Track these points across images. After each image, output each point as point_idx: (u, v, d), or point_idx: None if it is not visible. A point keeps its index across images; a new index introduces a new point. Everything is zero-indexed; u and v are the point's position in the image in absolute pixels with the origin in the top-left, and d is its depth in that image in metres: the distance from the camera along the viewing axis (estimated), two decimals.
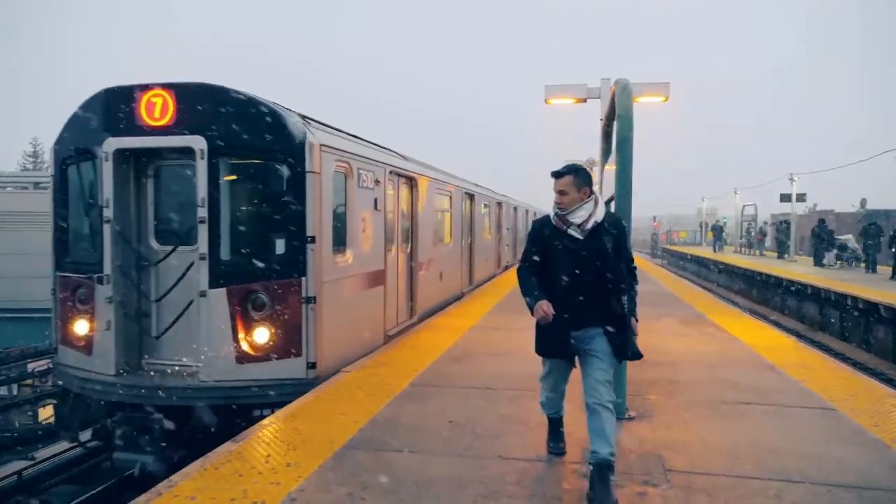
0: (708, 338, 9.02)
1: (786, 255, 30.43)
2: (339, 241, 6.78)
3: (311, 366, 6.09)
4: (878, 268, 22.24)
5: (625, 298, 3.90)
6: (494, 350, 7.91)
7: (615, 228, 3.99)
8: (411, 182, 9.69)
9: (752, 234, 37.06)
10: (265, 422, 5.06)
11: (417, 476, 4.06)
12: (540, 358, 4.20)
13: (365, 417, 5.19)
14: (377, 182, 7.87)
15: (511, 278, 17.36)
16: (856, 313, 16.47)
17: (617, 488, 3.80)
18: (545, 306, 3.81)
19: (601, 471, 3.64)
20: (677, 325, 9.90)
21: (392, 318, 8.67)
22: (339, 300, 6.71)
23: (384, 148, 8.91)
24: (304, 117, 6.40)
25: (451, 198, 12.55)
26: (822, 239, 25.35)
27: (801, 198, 32.39)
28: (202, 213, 6.05)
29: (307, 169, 6.06)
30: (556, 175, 3.99)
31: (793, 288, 21.15)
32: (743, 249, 38.12)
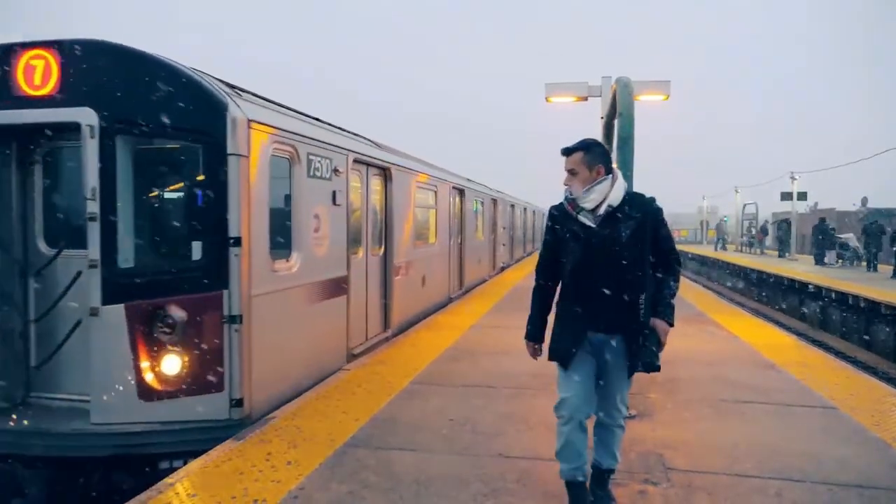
0: (709, 336, 9.02)
1: (787, 254, 30.43)
2: (281, 244, 5.57)
3: (237, 403, 4.84)
4: (879, 267, 22.25)
5: (642, 298, 3.36)
6: (494, 349, 7.91)
7: (640, 212, 3.38)
8: (385, 173, 8.43)
9: (753, 232, 37.09)
10: (265, 420, 5.05)
11: (418, 474, 4.07)
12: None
13: (365, 415, 5.19)
14: (336, 171, 6.56)
15: (508, 279, 17.35)
16: (856, 312, 16.47)
17: (618, 487, 3.81)
18: (533, 349, 3.70)
19: (601, 476, 3.63)
20: (678, 324, 9.76)
21: (358, 333, 7.43)
22: (279, 317, 5.46)
23: (349, 132, 7.63)
24: (231, 86, 5.23)
25: (436, 193, 11.31)
26: (822, 238, 25.36)
27: (801, 196, 32.38)
28: (93, 207, 4.80)
29: (230, 150, 4.78)
30: (566, 152, 3.48)
31: (794, 287, 21.15)
32: (744, 248, 38.13)
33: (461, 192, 13.71)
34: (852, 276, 20.85)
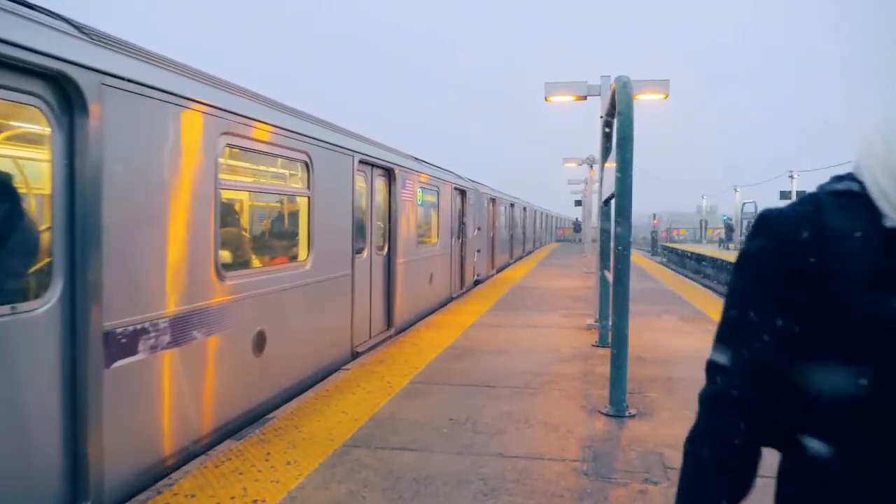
0: (709, 335, 8.92)
1: None
2: None
3: None
4: None
5: None
6: (495, 347, 7.91)
7: None
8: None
9: None
10: (264, 419, 5.05)
11: (417, 473, 4.06)
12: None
13: (365, 415, 5.18)
14: None
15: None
16: None
17: (617, 487, 3.81)
18: None
19: None
20: (678, 323, 9.90)
21: None
22: None
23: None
24: None
25: (309, 166, 6.14)
26: None
27: (801, 195, 32.47)
28: None
29: None
30: None
31: None
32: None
33: (389, 173, 8.94)
34: None
